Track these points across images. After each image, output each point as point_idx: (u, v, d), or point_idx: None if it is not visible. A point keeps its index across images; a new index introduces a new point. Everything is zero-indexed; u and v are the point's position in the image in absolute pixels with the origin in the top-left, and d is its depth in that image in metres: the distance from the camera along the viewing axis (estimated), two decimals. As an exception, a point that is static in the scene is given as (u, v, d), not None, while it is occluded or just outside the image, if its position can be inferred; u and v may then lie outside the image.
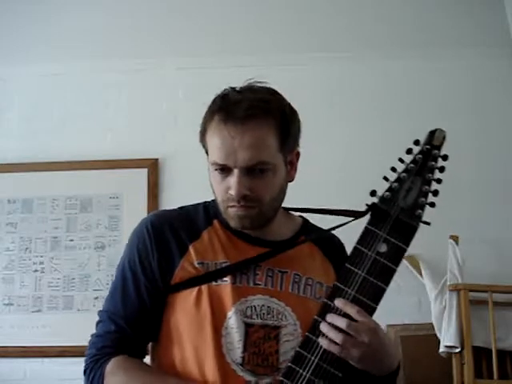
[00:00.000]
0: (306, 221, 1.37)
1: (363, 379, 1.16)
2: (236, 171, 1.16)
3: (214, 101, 1.23)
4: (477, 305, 2.57)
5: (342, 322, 1.07)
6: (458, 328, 2.49)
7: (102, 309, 1.26)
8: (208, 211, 1.30)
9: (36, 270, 2.96)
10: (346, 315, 1.08)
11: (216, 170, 1.20)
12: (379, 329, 1.10)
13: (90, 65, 3.15)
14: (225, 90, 1.23)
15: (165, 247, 1.23)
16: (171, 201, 2.99)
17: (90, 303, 2.90)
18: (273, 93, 1.24)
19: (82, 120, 3.13)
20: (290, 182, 1.27)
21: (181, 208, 1.33)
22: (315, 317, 1.10)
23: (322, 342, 1.08)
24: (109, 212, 3.01)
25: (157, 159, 3.05)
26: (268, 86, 1.25)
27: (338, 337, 1.07)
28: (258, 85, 1.24)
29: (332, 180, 2.87)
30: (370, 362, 1.10)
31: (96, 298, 2.91)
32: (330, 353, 1.08)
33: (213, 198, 1.28)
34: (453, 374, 2.49)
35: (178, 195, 3.00)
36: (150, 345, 1.28)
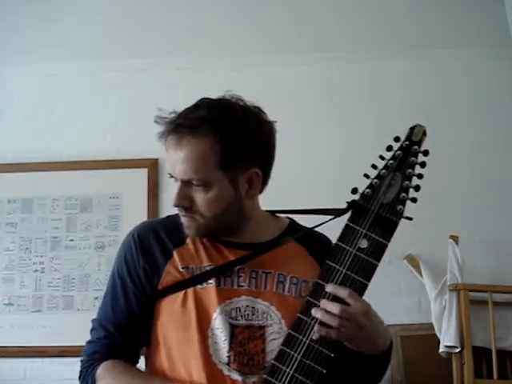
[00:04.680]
0: (292, 222, 1.39)
1: (357, 362, 1.18)
2: (178, 182, 1.24)
3: (169, 114, 1.30)
4: (477, 305, 2.57)
5: (335, 307, 1.08)
6: (457, 328, 2.49)
7: (94, 317, 1.31)
8: None
9: (36, 270, 2.96)
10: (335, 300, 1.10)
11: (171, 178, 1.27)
12: (371, 310, 1.13)
13: (89, 65, 3.15)
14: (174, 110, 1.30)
15: (150, 254, 1.27)
16: (171, 201, 2.99)
17: (90, 303, 2.90)
18: (221, 111, 1.24)
19: (82, 120, 3.13)
20: (250, 198, 1.28)
21: (167, 217, 1.37)
22: (298, 314, 1.11)
23: (318, 328, 1.09)
24: (109, 212, 3.01)
25: (157, 159, 3.05)
26: (234, 100, 1.27)
27: (332, 321, 1.08)
28: (213, 101, 1.28)
29: (329, 179, 2.87)
30: (364, 342, 1.13)
31: (96, 298, 2.91)
32: (313, 349, 1.09)
33: None
34: (453, 374, 2.49)
35: (178, 195, 3.00)
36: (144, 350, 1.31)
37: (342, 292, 1.09)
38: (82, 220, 3.01)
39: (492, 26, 3.00)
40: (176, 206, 1.24)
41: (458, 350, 2.49)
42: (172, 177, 1.25)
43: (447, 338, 2.50)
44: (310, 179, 2.83)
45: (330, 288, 1.10)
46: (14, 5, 3.15)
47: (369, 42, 3.11)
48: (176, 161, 1.22)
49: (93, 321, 1.30)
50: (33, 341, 2.86)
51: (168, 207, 3.02)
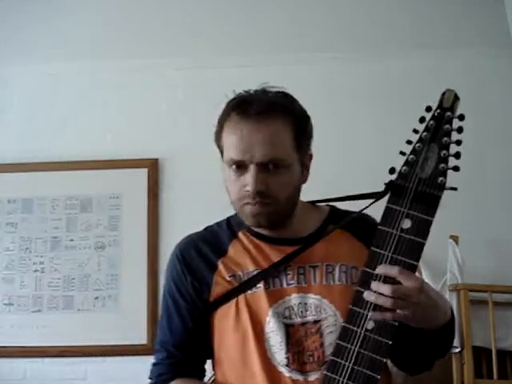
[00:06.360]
0: (333, 208, 1.36)
1: (420, 340, 1.16)
2: (252, 167, 1.19)
3: (231, 100, 1.26)
4: (477, 305, 2.57)
5: (387, 288, 1.04)
6: (457, 328, 2.49)
7: (156, 339, 1.34)
8: (230, 224, 1.34)
9: (36, 270, 2.96)
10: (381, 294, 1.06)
11: (231, 167, 1.22)
12: (425, 284, 1.08)
13: (89, 65, 3.15)
14: (240, 92, 1.27)
15: (195, 269, 1.29)
16: (171, 201, 3.00)
17: (90, 303, 2.90)
18: (287, 95, 1.28)
19: (82, 120, 3.13)
20: (303, 183, 1.30)
21: (205, 228, 1.37)
22: (350, 306, 1.09)
23: (373, 314, 1.06)
24: (109, 212, 3.01)
25: (157, 159, 3.05)
26: (282, 89, 1.29)
27: (386, 302, 1.05)
28: (273, 88, 1.28)
29: (328, 179, 2.86)
30: (422, 319, 1.09)
31: (96, 298, 2.91)
32: (370, 339, 1.06)
33: (222, 213, 1.34)
34: (453, 374, 2.49)
35: (178, 195, 3.00)
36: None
37: (392, 271, 1.05)
38: (82, 220, 3.01)
39: (492, 26, 3.00)
40: (255, 191, 1.18)
41: (457, 350, 2.49)
42: (238, 165, 1.20)
43: (447, 338, 2.50)
44: (308, 179, 2.82)
45: (379, 270, 1.06)
46: (14, 5, 3.14)
47: (369, 42, 3.11)
48: (255, 143, 1.18)
49: (155, 343, 1.33)
50: (33, 341, 2.86)
51: (168, 207, 3.04)
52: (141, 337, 2.83)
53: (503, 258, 2.81)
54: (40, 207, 3.03)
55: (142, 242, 2.91)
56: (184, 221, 2.82)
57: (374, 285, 1.06)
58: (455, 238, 2.67)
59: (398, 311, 1.05)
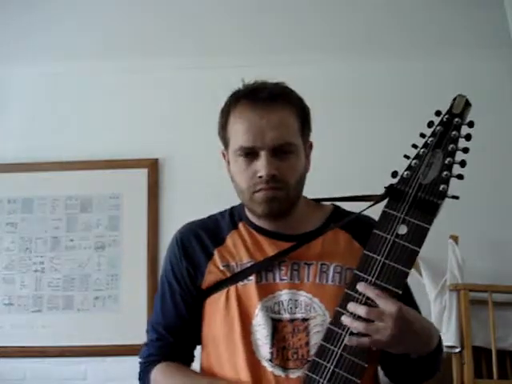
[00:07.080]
0: (336, 208, 1.36)
1: (403, 364, 1.16)
2: (263, 152, 1.20)
3: (234, 92, 1.28)
4: (477, 305, 2.57)
5: (361, 310, 1.04)
6: (457, 328, 2.49)
7: (149, 319, 1.36)
8: (233, 214, 1.34)
9: (36, 270, 2.96)
10: (367, 302, 1.05)
11: (240, 156, 1.23)
12: (404, 310, 1.06)
13: (89, 65, 3.15)
14: (239, 87, 1.29)
15: (192, 255, 1.30)
16: (171, 201, 3.00)
17: (89, 303, 2.90)
18: (287, 86, 1.31)
19: (82, 120, 3.13)
20: (307, 172, 1.30)
21: (209, 216, 1.38)
22: (337, 308, 1.08)
23: (348, 339, 1.06)
24: (109, 212, 3.01)
25: (157, 159, 3.05)
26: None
27: (360, 326, 1.04)
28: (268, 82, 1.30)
29: (327, 179, 2.86)
30: (400, 345, 1.07)
31: (96, 298, 2.91)
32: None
33: (218, 206, 1.36)
34: (453, 374, 2.49)
35: (178, 195, 3.00)
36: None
37: (370, 293, 1.05)
38: (82, 220, 3.01)
39: (489, 27, 2.99)
40: (270, 175, 1.19)
41: (458, 350, 2.49)
42: (248, 153, 1.21)
43: (447, 338, 2.50)
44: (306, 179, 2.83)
45: (359, 287, 1.07)
46: (13, 5, 3.14)
47: (369, 42, 3.11)
48: (264, 128, 1.20)
49: (147, 323, 1.35)
50: (33, 341, 2.86)
51: (168, 207, 3.04)
52: (141, 337, 2.80)
53: (503, 258, 2.81)
54: (40, 207, 3.04)
55: (142, 242, 2.91)
56: (184, 221, 2.80)
57: (352, 306, 1.06)
58: (455, 238, 2.67)
59: (374, 337, 1.04)
